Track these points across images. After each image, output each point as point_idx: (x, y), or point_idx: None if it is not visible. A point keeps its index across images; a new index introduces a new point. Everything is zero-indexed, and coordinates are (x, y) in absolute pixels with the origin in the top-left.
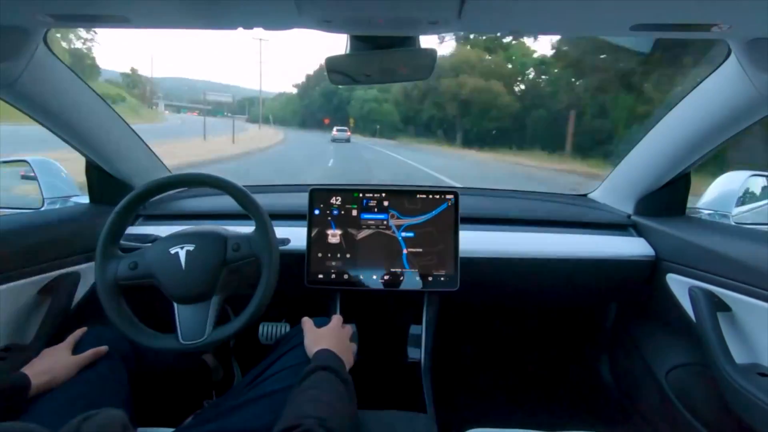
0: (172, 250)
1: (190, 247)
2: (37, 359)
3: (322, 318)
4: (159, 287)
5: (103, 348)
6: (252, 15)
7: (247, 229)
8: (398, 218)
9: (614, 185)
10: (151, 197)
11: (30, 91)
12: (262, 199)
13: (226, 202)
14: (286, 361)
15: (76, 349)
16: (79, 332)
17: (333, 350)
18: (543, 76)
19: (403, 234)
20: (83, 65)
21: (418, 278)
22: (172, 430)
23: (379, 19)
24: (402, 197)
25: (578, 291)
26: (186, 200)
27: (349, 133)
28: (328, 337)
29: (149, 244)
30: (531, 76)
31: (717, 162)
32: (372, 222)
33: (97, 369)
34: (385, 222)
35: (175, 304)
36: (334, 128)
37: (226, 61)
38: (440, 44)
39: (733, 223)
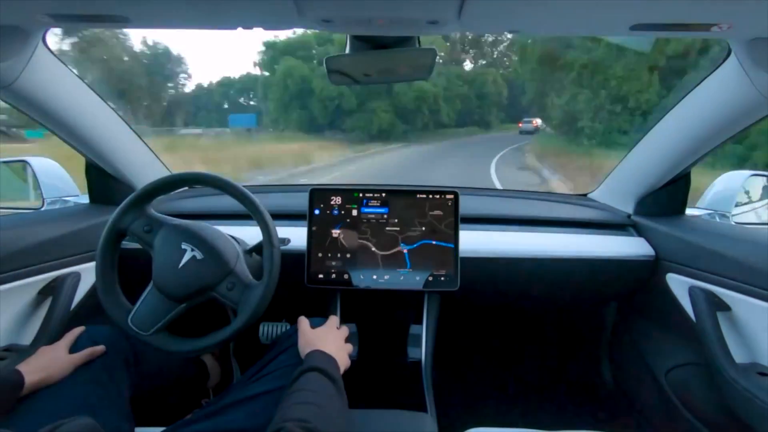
0: (183, 246)
1: (199, 256)
2: (33, 357)
3: (319, 318)
4: (150, 261)
5: (100, 347)
6: (251, 15)
7: (249, 230)
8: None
9: (614, 185)
10: (178, 188)
11: (29, 91)
12: (262, 199)
13: (227, 202)
14: (281, 361)
15: (74, 348)
16: (76, 331)
17: (326, 351)
18: None
19: (407, 248)
20: None
21: (418, 278)
22: (166, 429)
23: (378, 19)
24: (402, 199)
25: (578, 291)
26: (186, 200)
27: (535, 124)
28: (322, 337)
29: (177, 221)
30: None
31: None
32: (372, 223)
33: (93, 368)
34: (385, 216)
35: (151, 285)
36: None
37: None
38: None
39: (733, 223)
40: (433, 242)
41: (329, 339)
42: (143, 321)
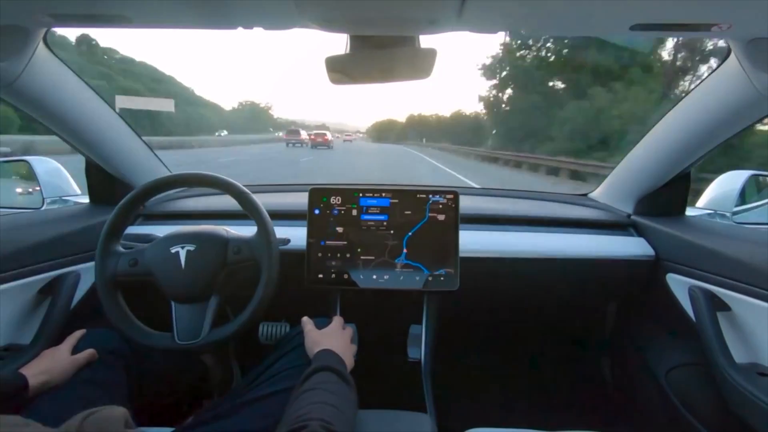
0: (173, 249)
1: (191, 248)
2: (36, 360)
3: (322, 318)
4: (157, 285)
5: (101, 349)
6: (251, 15)
7: (248, 229)
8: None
9: (614, 185)
10: (153, 196)
11: (30, 90)
12: (262, 199)
13: (226, 202)
14: (286, 362)
15: (75, 350)
16: (78, 333)
17: (334, 351)
18: None
19: (406, 248)
20: None
21: (418, 278)
22: (172, 430)
23: (379, 19)
24: (402, 198)
25: (578, 290)
26: (186, 200)
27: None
28: (329, 337)
29: (149, 244)
30: None
31: None
32: (372, 223)
33: (95, 370)
34: (385, 223)
35: (173, 303)
36: None
37: None
38: None
39: (733, 223)
40: (433, 242)
41: (336, 339)
42: (189, 334)
